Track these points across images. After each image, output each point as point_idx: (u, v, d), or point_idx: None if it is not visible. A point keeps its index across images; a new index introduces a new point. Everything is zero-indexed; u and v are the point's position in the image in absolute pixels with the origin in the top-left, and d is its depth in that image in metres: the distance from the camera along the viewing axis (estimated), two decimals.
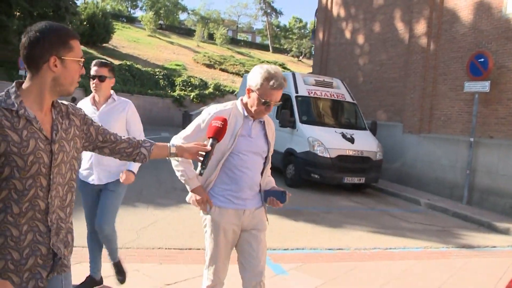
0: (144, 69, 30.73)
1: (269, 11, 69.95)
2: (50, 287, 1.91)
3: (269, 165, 3.05)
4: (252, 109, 2.85)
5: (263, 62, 44.91)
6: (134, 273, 4.30)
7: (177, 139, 2.84)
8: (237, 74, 38.98)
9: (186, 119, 26.31)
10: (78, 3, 31.37)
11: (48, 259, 1.87)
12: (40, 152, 1.79)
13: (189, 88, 31.12)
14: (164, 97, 28.98)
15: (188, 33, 57.94)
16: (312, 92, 11.45)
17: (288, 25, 72.62)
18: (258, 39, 79.07)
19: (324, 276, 4.86)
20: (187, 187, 2.88)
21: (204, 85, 32.14)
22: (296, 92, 11.30)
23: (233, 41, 61.86)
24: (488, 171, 10.03)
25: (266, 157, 3.00)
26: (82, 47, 18.94)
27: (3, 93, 1.80)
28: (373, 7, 14.82)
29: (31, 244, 1.82)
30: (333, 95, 11.78)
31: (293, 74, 12.00)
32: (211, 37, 59.99)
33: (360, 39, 15.39)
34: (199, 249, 5.22)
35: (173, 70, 35.30)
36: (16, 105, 1.76)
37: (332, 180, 10.24)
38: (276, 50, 63.85)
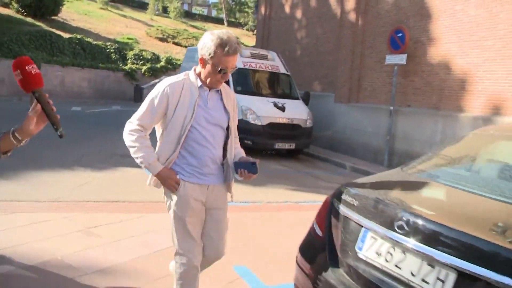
0: (95, 42, 30.53)
1: None
2: None
3: (234, 137, 2.93)
4: (207, 80, 2.73)
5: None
6: (62, 220, 4.97)
7: (133, 124, 2.74)
8: (192, 47, 39.15)
9: (138, 93, 26.59)
10: None
11: None
12: None
13: (141, 62, 31.18)
14: (116, 70, 28.97)
15: (141, 6, 57.19)
16: (247, 64, 12.13)
17: None
18: (214, 13, 78.73)
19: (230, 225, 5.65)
20: (149, 171, 2.77)
21: (156, 58, 32.25)
22: None
23: (188, 15, 61.52)
24: (405, 137, 11.07)
25: (227, 129, 2.87)
26: (29, 19, 19.09)
27: None
28: None
29: None
30: (268, 67, 12.51)
31: None
32: (165, 10, 59.44)
33: (298, 14, 16.15)
34: (125, 201, 5.94)
35: (125, 43, 35.14)
36: None
37: (263, 146, 11.02)
38: (232, 24, 63.87)
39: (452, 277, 1.95)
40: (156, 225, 5.06)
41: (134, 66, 30.15)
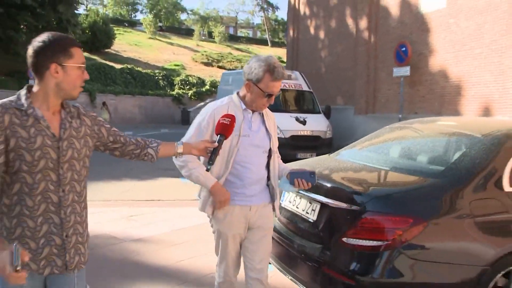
0: (144, 71, 33.04)
1: (265, 6, 71.94)
2: (64, 281, 2.07)
3: (276, 157, 3.02)
4: (253, 104, 2.80)
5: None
6: (111, 212, 6.64)
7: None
8: (235, 69, 41.12)
9: (185, 116, 28.67)
10: (81, 10, 33.72)
11: (62, 249, 2.00)
12: (47, 148, 1.92)
13: (187, 87, 33.36)
14: (164, 96, 31.25)
15: (188, 33, 60.16)
16: None
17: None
18: (259, 34, 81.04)
19: None
20: (204, 188, 2.85)
21: (201, 83, 34.39)
22: None
23: (233, 38, 63.95)
24: None
25: (269, 150, 2.93)
26: (86, 54, 21.50)
27: (16, 95, 1.96)
28: (329, 6, 17.04)
29: (46, 234, 1.95)
30: (291, 86, 13.98)
31: None
32: (210, 35, 62.09)
33: (321, 35, 17.62)
34: (159, 200, 7.60)
35: (172, 70, 37.58)
36: (25, 105, 1.90)
37: (287, 156, 12.44)
38: (275, 44, 65.80)
39: (318, 206, 3.38)
40: (180, 214, 6.64)
41: (181, 91, 32.37)
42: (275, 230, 3.74)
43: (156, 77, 33.25)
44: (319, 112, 13.85)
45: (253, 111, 2.86)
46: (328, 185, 3.45)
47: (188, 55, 45.19)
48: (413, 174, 3.48)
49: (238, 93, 2.89)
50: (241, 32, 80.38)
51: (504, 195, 3.28)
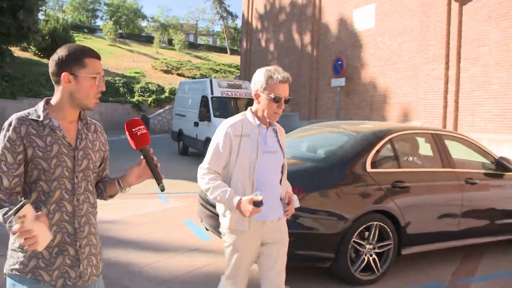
0: (105, 78, 33.75)
1: (225, 15, 73.29)
2: None
3: (285, 172, 3.06)
4: (265, 113, 2.84)
5: (219, 64, 48.58)
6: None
7: (204, 168, 2.85)
8: (193, 77, 42.14)
9: (145, 122, 29.61)
10: (40, 16, 34.04)
11: (75, 260, 1.99)
12: (63, 157, 1.94)
13: (147, 94, 34.18)
14: (124, 103, 32.05)
15: (148, 40, 60.65)
16: (224, 93, 15.05)
17: None
18: (218, 42, 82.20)
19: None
20: (228, 206, 2.78)
21: (161, 90, 35.27)
22: (212, 93, 14.87)
23: (192, 46, 64.81)
24: None
25: (282, 165, 2.99)
26: (46, 61, 22.45)
27: (34, 108, 2.00)
28: (278, 21, 18.63)
29: (59, 244, 1.95)
30: (242, 94, 15.41)
31: (210, 80, 15.59)
32: (171, 43, 62.83)
33: (271, 47, 19.18)
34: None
35: (132, 77, 38.34)
36: (42, 116, 1.93)
37: None
38: (234, 52, 67.06)
39: None
40: (139, 204, 7.89)
41: (140, 98, 33.24)
42: (210, 203, 5.14)
43: (117, 84, 34.01)
44: None
45: (267, 127, 2.92)
46: None
47: (148, 63, 45.92)
48: (305, 160, 4.94)
49: (251, 109, 2.93)
50: (201, 40, 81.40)
51: (366, 174, 4.77)
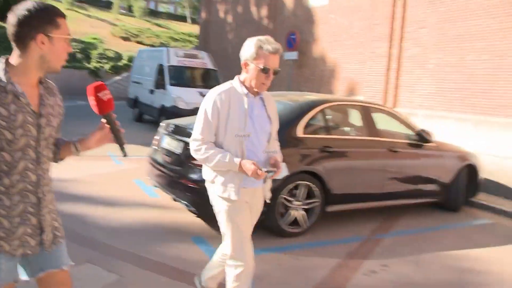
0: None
1: None
2: (49, 257, 2.06)
3: (274, 142, 3.10)
4: (253, 83, 2.85)
5: (179, 33, 48.14)
6: None
7: (197, 140, 2.86)
8: (152, 46, 41.75)
9: None
10: None
11: (37, 229, 1.95)
12: (29, 126, 1.84)
13: (104, 61, 33.85)
14: (80, 69, 31.68)
15: (107, 5, 59.16)
16: (181, 62, 15.36)
17: None
18: (179, 10, 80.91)
19: None
20: (232, 168, 2.81)
21: (119, 57, 34.96)
22: (168, 62, 15.16)
23: (153, 13, 63.73)
24: None
25: (269, 134, 3.00)
26: None
27: None
28: None
29: (21, 214, 1.89)
30: (198, 64, 15.76)
31: (167, 49, 15.86)
32: (130, 9, 61.57)
33: (230, 19, 19.51)
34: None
35: (89, 43, 37.70)
36: (4, 80, 1.78)
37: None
38: (195, 21, 66.41)
39: (181, 144, 5.29)
40: (92, 165, 8.29)
41: (98, 65, 32.91)
42: (158, 163, 5.65)
43: (73, 50, 33.48)
44: None
45: (255, 96, 2.94)
46: (187, 130, 5.39)
47: (107, 29, 45.07)
48: None
49: (239, 78, 2.96)
50: (162, 8, 79.87)
51: (298, 138, 5.38)
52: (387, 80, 11.61)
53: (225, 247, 3.05)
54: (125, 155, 2.10)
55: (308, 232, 5.54)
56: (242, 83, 2.93)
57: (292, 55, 14.37)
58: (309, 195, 5.49)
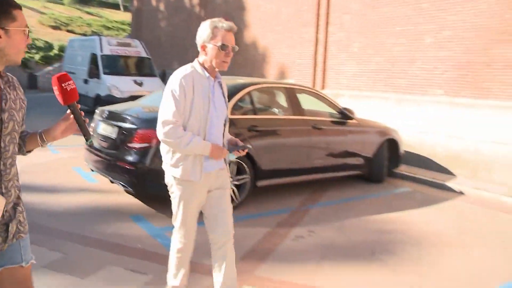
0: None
1: None
2: (9, 252, 1.99)
3: (227, 126, 3.16)
4: (213, 62, 2.88)
5: (112, 21, 47.10)
6: None
7: (167, 123, 2.82)
8: (84, 34, 40.71)
9: (32, 80, 28.52)
10: None
11: (2, 225, 1.93)
12: None
13: (34, 51, 32.72)
14: None
15: None
16: (114, 51, 15.33)
17: None
18: None
19: None
20: (204, 152, 2.89)
21: (49, 47, 33.92)
22: (101, 51, 15.10)
23: (83, 1, 61.88)
24: None
25: (227, 117, 3.10)
26: None
27: None
28: None
29: None
30: (131, 53, 15.77)
31: (100, 38, 15.75)
32: None
33: (162, 7, 19.55)
34: None
35: None
36: None
37: None
38: (128, 9, 64.94)
39: (116, 129, 5.55)
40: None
41: (26, 55, 31.79)
42: (95, 148, 5.87)
43: None
44: (155, 76, 15.86)
45: (215, 79, 3.00)
46: (121, 116, 5.65)
47: (34, 17, 43.41)
48: None
49: (198, 61, 2.98)
50: None
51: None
52: (315, 64, 12.21)
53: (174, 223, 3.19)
54: (91, 145, 2.21)
55: (240, 206, 5.96)
56: (202, 65, 2.95)
57: None
58: (240, 171, 5.90)
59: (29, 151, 2.19)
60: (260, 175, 6.10)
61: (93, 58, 14.98)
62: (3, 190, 1.91)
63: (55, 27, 41.84)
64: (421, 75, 10.02)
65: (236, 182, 5.88)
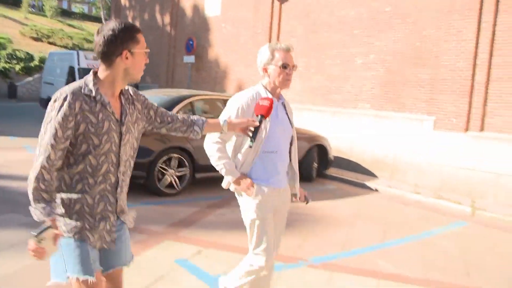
0: None
1: None
2: (118, 255, 2.28)
3: (295, 146, 3.21)
4: (277, 82, 2.98)
5: (93, 35, 47.82)
6: None
7: (215, 136, 2.94)
8: (65, 47, 41.49)
9: (12, 90, 29.43)
10: None
11: (113, 226, 2.20)
12: (113, 133, 2.07)
13: (15, 61, 33.51)
14: None
15: (15, 3, 57.30)
16: (90, 65, 16.75)
17: None
18: (94, 11, 79.67)
19: None
20: (228, 178, 2.97)
21: (30, 58, 34.68)
22: (78, 65, 16.50)
23: (66, 13, 62.49)
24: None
25: (292, 137, 3.14)
26: None
27: (82, 81, 2.07)
28: (144, 1, 20.58)
29: (102, 212, 2.13)
30: None
31: (77, 52, 17.17)
32: (41, 8, 60.10)
33: (137, 24, 21.03)
34: None
35: None
36: (93, 91, 2.02)
37: None
38: None
39: None
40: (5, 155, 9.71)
41: (7, 65, 32.61)
42: None
43: None
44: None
45: (278, 99, 3.07)
46: None
47: (15, 28, 44.03)
48: None
49: (261, 83, 3.09)
50: (76, 8, 78.33)
51: None
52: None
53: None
54: (251, 146, 2.76)
55: (181, 193, 7.46)
56: (265, 88, 3.06)
57: (190, 58, 16.36)
58: (181, 164, 7.42)
59: (204, 134, 2.60)
60: (198, 168, 7.60)
61: (71, 70, 16.33)
62: (118, 195, 2.20)
63: (36, 39, 42.44)
64: (353, 91, 11.73)
65: (177, 174, 7.39)
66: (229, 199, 7.17)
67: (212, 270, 4.48)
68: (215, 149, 2.95)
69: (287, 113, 3.15)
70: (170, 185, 7.36)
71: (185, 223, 6.13)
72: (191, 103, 7.84)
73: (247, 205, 3.02)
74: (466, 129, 9.47)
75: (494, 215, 8.01)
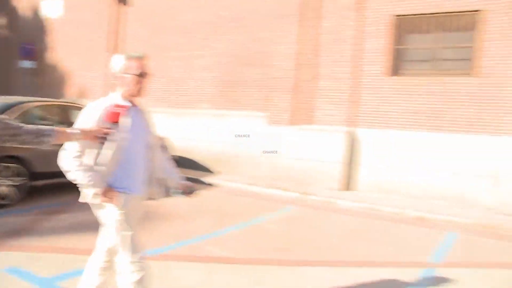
0: None
1: None
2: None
3: (158, 153, 3.26)
4: (133, 90, 3.02)
5: None
6: None
7: (72, 150, 2.87)
8: None
9: None
10: None
11: None
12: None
13: None
14: None
15: None
16: None
17: None
18: None
19: None
20: (94, 190, 2.91)
21: None
22: None
23: None
24: None
25: (149, 143, 3.17)
26: None
27: None
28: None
29: None
30: None
31: None
32: None
33: None
34: None
35: None
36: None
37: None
38: None
39: None
40: None
41: None
42: None
43: None
44: None
45: (134, 106, 3.08)
46: None
47: None
48: None
49: (116, 92, 3.06)
50: None
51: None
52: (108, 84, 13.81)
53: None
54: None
55: (19, 203, 7.10)
56: (122, 96, 3.06)
57: (28, 63, 15.66)
58: (19, 174, 7.22)
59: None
60: (35, 176, 7.39)
61: None
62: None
63: None
64: (194, 92, 12.26)
65: (14, 183, 7.13)
66: (70, 205, 7.22)
67: (46, 273, 4.49)
68: (77, 163, 2.89)
69: (144, 120, 3.19)
70: (3, 196, 7.15)
71: (19, 232, 5.95)
72: (22, 108, 7.66)
73: (110, 214, 3.03)
74: (295, 123, 10.54)
75: (319, 198, 9.08)
